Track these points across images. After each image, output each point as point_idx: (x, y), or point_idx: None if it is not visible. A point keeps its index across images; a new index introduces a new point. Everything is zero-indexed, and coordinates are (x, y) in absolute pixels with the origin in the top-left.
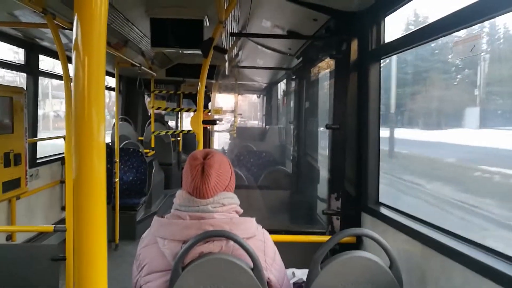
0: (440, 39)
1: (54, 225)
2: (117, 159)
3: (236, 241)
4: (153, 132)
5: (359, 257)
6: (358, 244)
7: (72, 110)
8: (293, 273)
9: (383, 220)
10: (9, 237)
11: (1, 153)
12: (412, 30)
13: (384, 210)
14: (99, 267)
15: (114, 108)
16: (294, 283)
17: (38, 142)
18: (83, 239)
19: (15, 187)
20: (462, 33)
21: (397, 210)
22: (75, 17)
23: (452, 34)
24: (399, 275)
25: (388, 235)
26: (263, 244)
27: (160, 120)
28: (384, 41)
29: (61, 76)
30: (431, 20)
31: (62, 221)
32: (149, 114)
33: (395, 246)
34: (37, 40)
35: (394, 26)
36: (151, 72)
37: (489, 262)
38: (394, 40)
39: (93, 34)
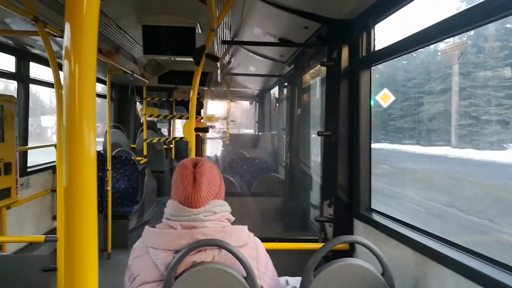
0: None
1: (45, 235)
2: (109, 167)
3: (228, 249)
4: (145, 139)
5: (352, 264)
6: (351, 251)
7: (63, 119)
8: (287, 281)
9: (376, 226)
10: (0, 247)
11: None
12: (402, 38)
13: (376, 217)
14: (89, 277)
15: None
16: None
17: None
18: (74, 249)
19: (5, 197)
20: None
21: (389, 216)
22: (66, 25)
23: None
24: (392, 282)
25: (380, 242)
26: (256, 252)
27: (153, 127)
28: (374, 48)
29: (52, 84)
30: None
31: (54, 230)
32: (141, 122)
33: (387, 253)
34: (28, 47)
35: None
36: (143, 79)
37: (480, 268)
38: (384, 48)
39: (84, 42)
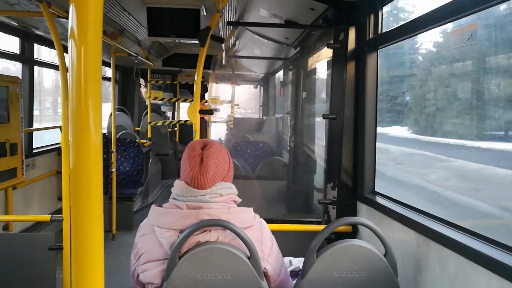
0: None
1: (51, 215)
2: (113, 150)
3: (233, 230)
4: (150, 122)
5: (354, 245)
6: (353, 233)
7: (69, 100)
8: (290, 262)
9: (379, 209)
10: (6, 226)
11: None
12: (410, 19)
13: (379, 200)
14: (96, 256)
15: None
16: (291, 271)
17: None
18: (80, 229)
19: (11, 177)
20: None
21: (392, 199)
22: (71, 6)
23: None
24: (394, 263)
25: (383, 224)
26: (261, 234)
27: (157, 110)
28: (382, 30)
29: (57, 65)
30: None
31: (59, 211)
32: (145, 104)
33: (390, 235)
34: (32, 29)
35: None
36: (147, 62)
37: (484, 250)
38: (392, 30)
39: (89, 23)
